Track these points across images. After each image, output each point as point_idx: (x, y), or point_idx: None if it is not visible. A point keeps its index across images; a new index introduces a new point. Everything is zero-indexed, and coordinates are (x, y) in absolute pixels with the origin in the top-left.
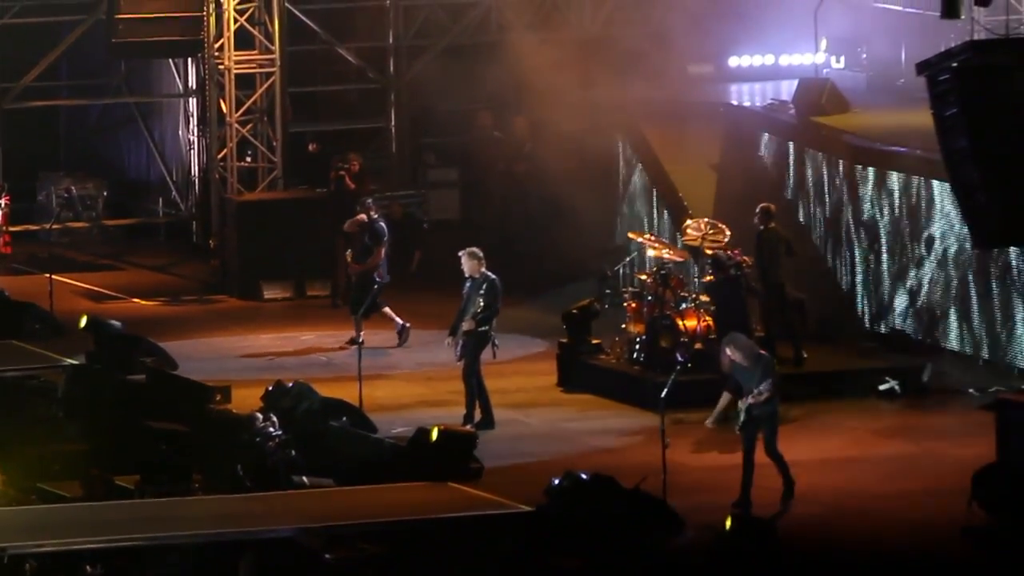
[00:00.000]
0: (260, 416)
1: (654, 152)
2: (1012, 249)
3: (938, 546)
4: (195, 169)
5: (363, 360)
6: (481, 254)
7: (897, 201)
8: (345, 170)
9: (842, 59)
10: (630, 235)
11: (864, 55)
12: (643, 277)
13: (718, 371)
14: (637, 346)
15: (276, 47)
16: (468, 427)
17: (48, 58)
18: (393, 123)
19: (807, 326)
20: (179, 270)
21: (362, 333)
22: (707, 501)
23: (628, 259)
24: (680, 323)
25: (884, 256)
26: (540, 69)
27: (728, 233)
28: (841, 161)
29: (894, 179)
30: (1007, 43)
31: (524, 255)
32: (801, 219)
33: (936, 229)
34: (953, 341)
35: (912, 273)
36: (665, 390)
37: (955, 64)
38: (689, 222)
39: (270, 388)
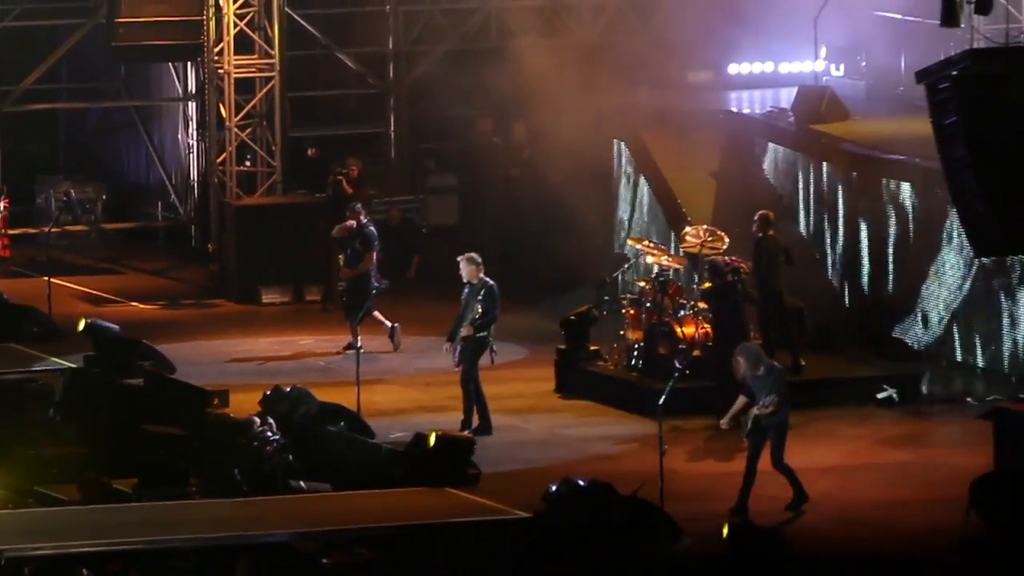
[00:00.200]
0: (258, 420)
1: (653, 159)
2: (1010, 257)
3: (935, 555)
4: (194, 173)
5: (361, 365)
6: (480, 260)
7: (896, 209)
8: (343, 175)
9: (842, 67)
10: (629, 241)
11: (864, 63)
12: (642, 284)
13: (716, 378)
14: (635, 353)
15: (276, 51)
16: (466, 433)
17: (48, 61)
18: (392, 128)
19: (805, 334)
20: (177, 274)
21: (360, 338)
22: (704, 508)
23: (627, 266)
24: (678, 330)
25: (882, 264)
26: (540, 75)
27: (727, 240)
28: (840, 169)
29: (893, 187)
30: (1007, 52)
31: (523, 261)
32: (800, 227)
33: (935, 237)
34: (952, 350)
35: (911, 281)
36: (663, 397)
37: (954, 72)
38: (688, 229)
39: (268, 392)
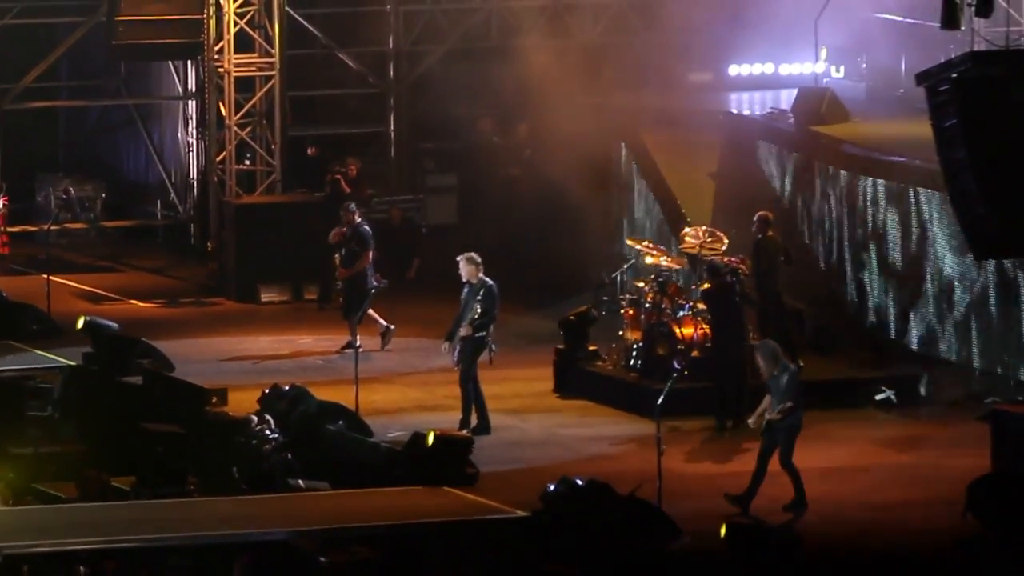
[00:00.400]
0: (256, 419)
1: (653, 160)
2: (1009, 259)
3: (932, 556)
4: (194, 172)
5: (360, 364)
6: (479, 259)
7: (895, 211)
8: (341, 174)
9: (842, 68)
10: (628, 242)
11: (864, 65)
12: (641, 284)
13: (715, 379)
14: (634, 353)
15: (276, 50)
16: (464, 432)
17: (48, 59)
18: (392, 128)
19: (804, 335)
20: (177, 272)
21: (359, 337)
22: (702, 508)
23: (626, 266)
24: (677, 331)
25: (882, 266)
26: (540, 75)
27: (726, 241)
28: (840, 171)
29: (893, 189)
30: (1007, 55)
31: (522, 261)
32: (799, 228)
33: (934, 239)
34: (950, 352)
35: (910, 283)
36: (661, 397)
37: (955, 75)
38: (687, 230)
39: (267, 391)
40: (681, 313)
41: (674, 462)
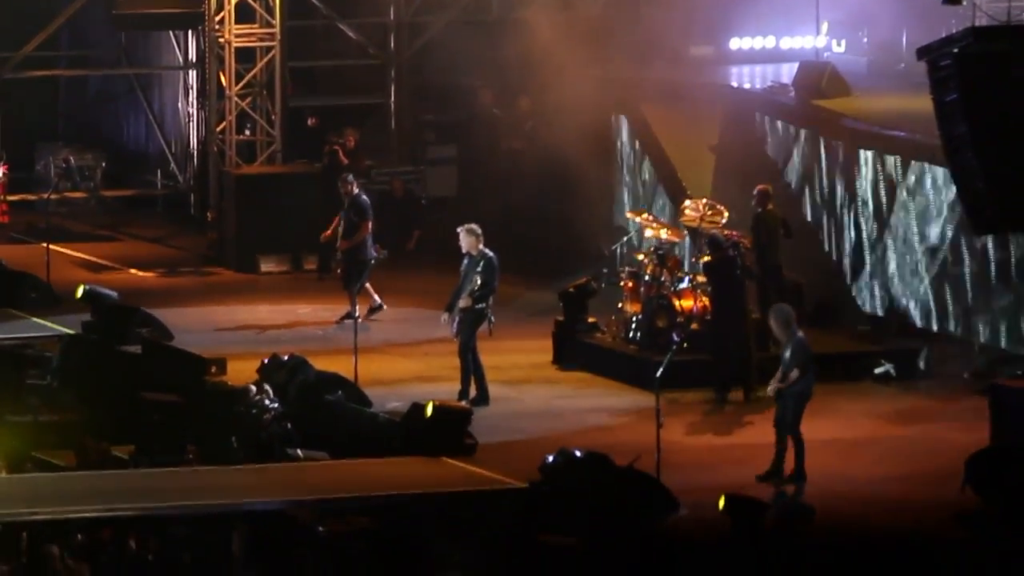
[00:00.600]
0: (255, 389)
1: (654, 132)
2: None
3: (930, 529)
4: (194, 142)
5: (359, 334)
6: (479, 231)
7: (896, 186)
8: (340, 144)
9: (843, 43)
10: (628, 215)
11: (865, 39)
12: (640, 257)
13: (714, 351)
14: (633, 325)
15: (277, 21)
16: (463, 403)
17: (48, 28)
18: (393, 99)
19: (804, 309)
20: (176, 242)
21: (358, 308)
22: (701, 480)
23: (626, 238)
24: (677, 303)
25: (882, 240)
26: (541, 48)
27: (726, 214)
28: (840, 145)
29: (893, 163)
30: (1008, 30)
31: (522, 233)
32: (799, 202)
33: (934, 214)
34: (950, 325)
35: (909, 257)
36: (661, 369)
37: (956, 50)
38: (687, 203)
39: (266, 361)
40: (681, 286)
41: (673, 434)
